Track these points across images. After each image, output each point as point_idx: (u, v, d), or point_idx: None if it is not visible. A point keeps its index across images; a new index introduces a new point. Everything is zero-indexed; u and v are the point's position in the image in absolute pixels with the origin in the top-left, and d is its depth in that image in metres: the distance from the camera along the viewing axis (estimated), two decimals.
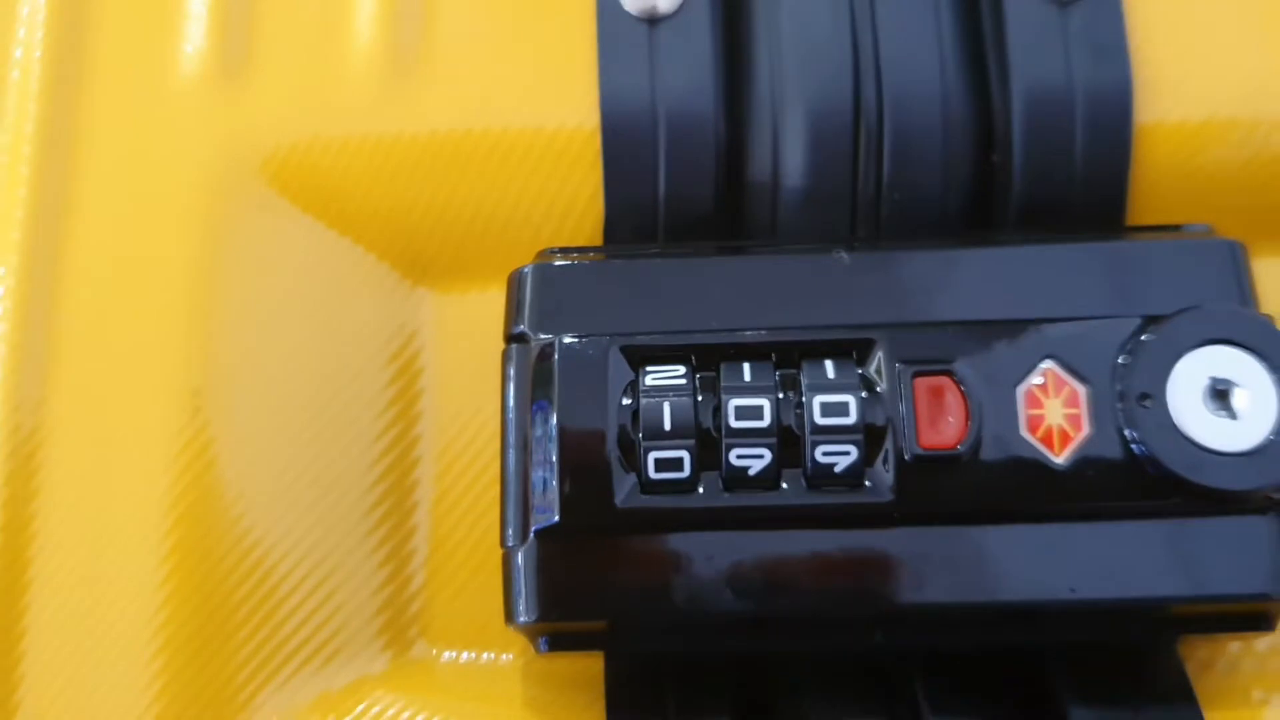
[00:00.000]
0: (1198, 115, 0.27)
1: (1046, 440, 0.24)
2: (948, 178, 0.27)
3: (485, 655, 0.26)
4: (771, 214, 0.28)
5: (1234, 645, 0.26)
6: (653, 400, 0.24)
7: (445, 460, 0.27)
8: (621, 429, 0.24)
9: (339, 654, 0.26)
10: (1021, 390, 0.24)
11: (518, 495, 0.25)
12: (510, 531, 0.24)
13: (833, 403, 0.24)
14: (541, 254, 0.27)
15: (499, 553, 0.25)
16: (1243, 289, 0.24)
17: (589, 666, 0.26)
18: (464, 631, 0.27)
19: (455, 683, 0.26)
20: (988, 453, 0.24)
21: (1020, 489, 0.24)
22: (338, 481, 0.27)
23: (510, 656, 0.26)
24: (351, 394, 0.27)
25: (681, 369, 0.24)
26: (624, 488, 0.24)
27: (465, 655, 0.26)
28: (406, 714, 0.25)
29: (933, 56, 0.27)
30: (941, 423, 0.24)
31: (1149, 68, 0.27)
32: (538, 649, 0.25)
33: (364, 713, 0.25)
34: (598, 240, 0.28)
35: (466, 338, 0.28)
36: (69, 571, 0.26)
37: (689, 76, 0.27)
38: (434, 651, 0.26)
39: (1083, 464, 0.23)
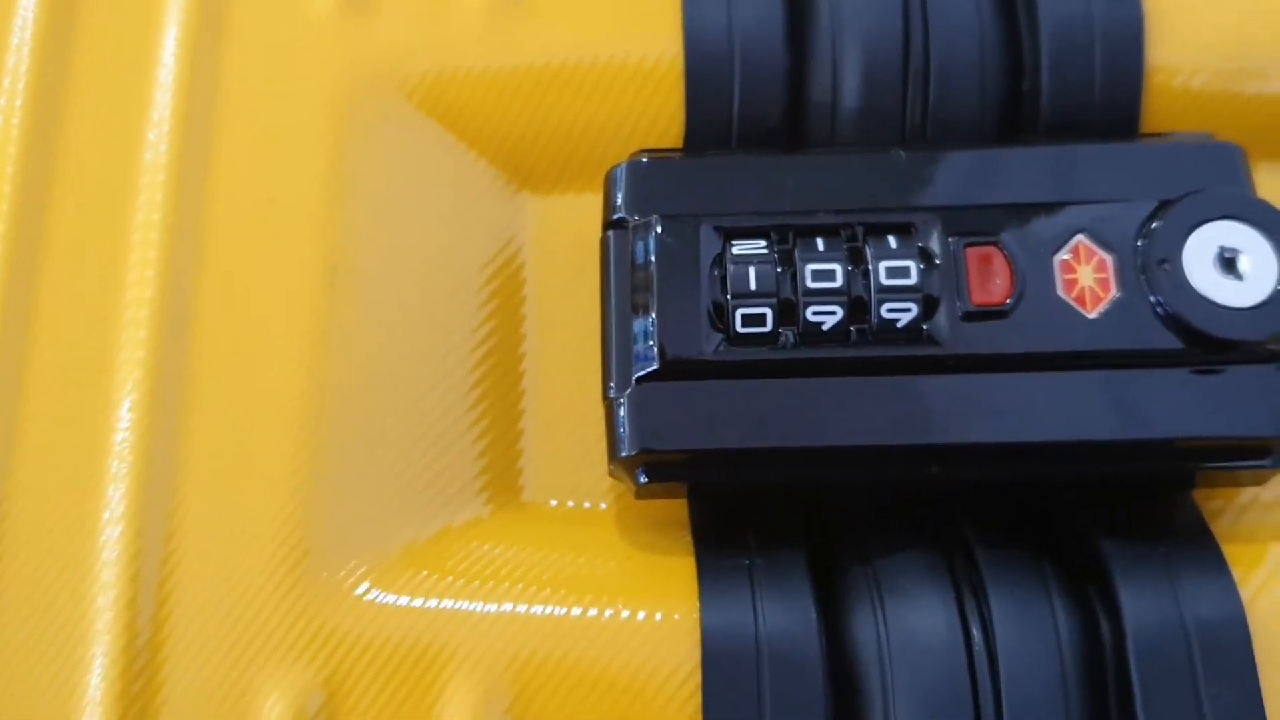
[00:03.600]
0: (1198, 47, 0.31)
1: (1080, 300, 0.28)
2: (984, 100, 0.31)
3: (585, 503, 0.30)
4: (830, 132, 0.32)
5: (1241, 496, 0.29)
6: (740, 265, 0.28)
7: (547, 334, 0.31)
8: (713, 295, 0.28)
9: (454, 498, 0.29)
10: (1057, 259, 0.28)
11: (620, 352, 0.28)
12: (613, 384, 0.28)
13: (896, 267, 0.28)
14: (633, 155, 0.30)
15: (597, 413, 0.29)
16: (1243, 179, 0.29)
17: (676, 510, 0.29)
18: (565, 481, 0.30)
19: (557, 525, 0.29)
20: (1029, 309, 0.27)
21: (1058, 341, 0.27)
22: (453, 350, 0.30)
23: (606, 505, 0.30)
24: (465, 276, 0.31)
25: (763, 242, 0.28)
26: (714, 341, 0.28)
27: (569, 503, 0.30)
28: (512, 552, 0.29)
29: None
30: (990, 284, 0.28)
31: (1156, 6, 0.31)
32: (635, 481, 0.28)
33: (475, 549, 0.29)
34: None
35: (563, 233, 0.32)
36: (220, 416, 0.29)
37: (760, 12, 0.32)
38: (538, 499, 0.30)
39: (1111, 319, 0.27)
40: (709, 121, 0.31)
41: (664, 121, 0.32)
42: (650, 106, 0.31)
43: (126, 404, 0.29)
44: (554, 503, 0.30)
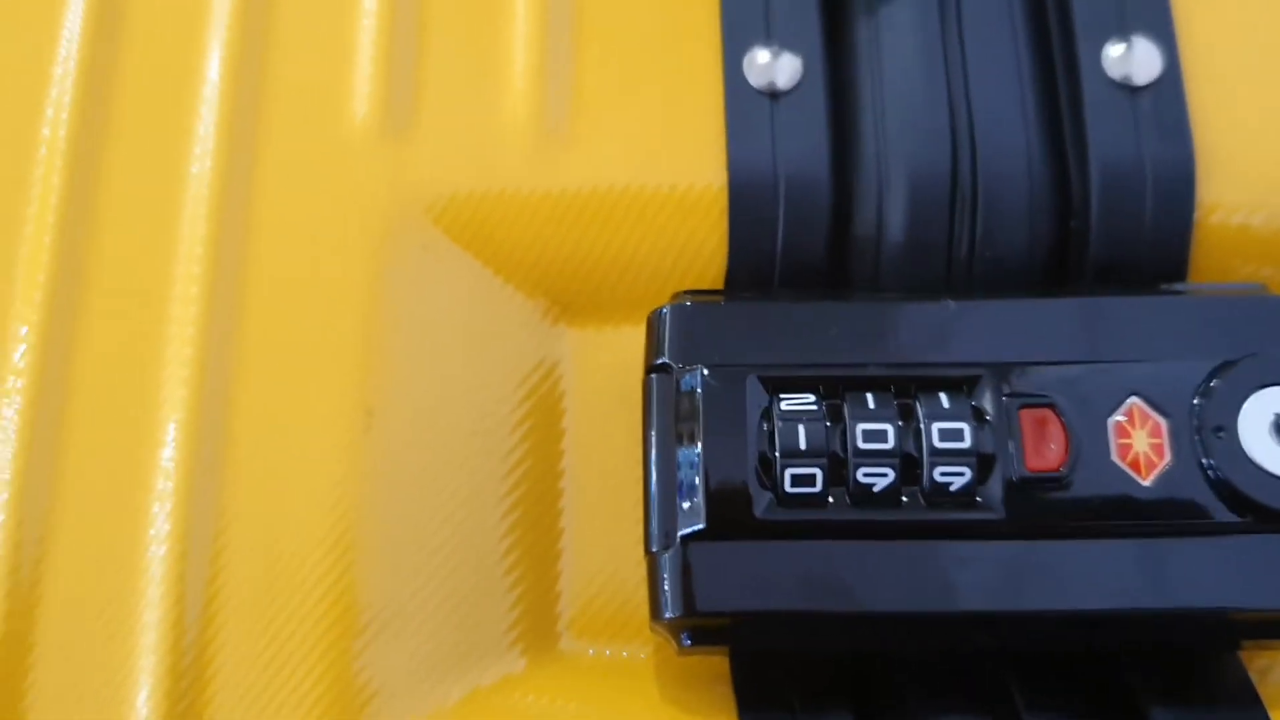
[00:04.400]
0: (1250, 189, 0.31)
1: (1134, 466, 0.27)
2: (1033, 239, 0.31)
3: (624, 652, 0.29)
4: (875, 267, 0.31)
5: None
6: (789, 423, 0.27)
7: (587, 472, 0.30)
8: (761, 451, 0.27)
9: (486, 654, 0.29)
10: (1111, 422, 0.27)
11: (664, 505, 0.28)
12: (656, 539, 0.27)
13: (949, 429, 0.27)
14: (676, 296, 0.30)
15: (637, 554, 0.28)
16: None
17: (717, 665, 0.29)
18: (604, 630, 0.29)
19: (596, 679, 0.29)
20: (1084, 476, 0.27)
21: (1112, 509, 0.27)
22: (489, 493, 0.30)
23: (645, 655, 0.29)
24: (501, 415, 0.30)
25: (812, 397, 0.28)
26: (762, 500, 0.27)
27: (607, 652, 0.29)
28: (554, 706, 0.28)
29: (1019, 132, 0.31)
30: (1044, 449, 0.27)
31: (1208, 147, 0.31)
32: (679, 644, 0.27)
33: (514, 705, 0.28)
34: (719, 287, 0.31)
35: (602, 368, 0.31)
36: (253, 557, 0.28)
37: (805, 145, 0.31)
38: (576, 649, 0.29)
39: (1166, 487, 0.27)
40: (752, 254, 0.31)
41: (707, 254, 0.31)
42: (693, 239, 0.31)
43: (156, 562, 0.28)
44: (591, 652, 0.29)
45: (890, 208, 0.31)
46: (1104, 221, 0.31)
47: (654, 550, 0.28)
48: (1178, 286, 0.30)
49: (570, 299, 0.31)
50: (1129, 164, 0.31)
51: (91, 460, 0.29)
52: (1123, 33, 0.32)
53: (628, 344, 0.31)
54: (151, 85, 0.32)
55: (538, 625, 0.29)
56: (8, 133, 0.31)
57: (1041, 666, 0.29)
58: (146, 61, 0.32)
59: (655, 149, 0.31)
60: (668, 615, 0.27)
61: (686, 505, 0.27)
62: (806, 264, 0.31)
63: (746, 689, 0.28)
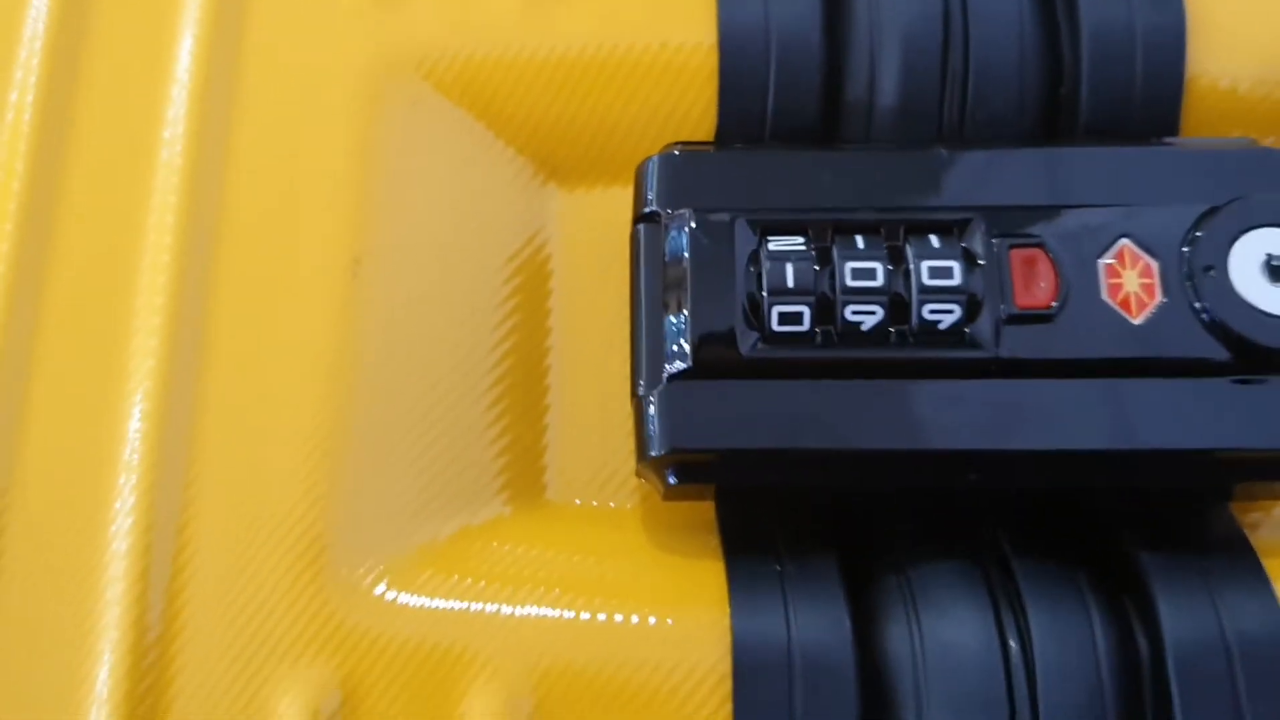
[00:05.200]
0: (1240, 53, 0.31)
1: (1125, 305, 0.27)
2: (1023, 103, 0.31)
3: (611, 503, 0.29)
4: (866, 129, 0.31)
5: (1278, 509, 0.29)
6: (776, 263, 0.27)
7: (574, 329, 0.30)
8: (747, 288, 0.27)
9: (475, 497, 0.28)
10: (1102, 263, 0.27)
11: (651, 349, 0.27)
12: (643, 381, 0.27)
13: (938, 267, 0.27)
14: (666, 147, 0.30)
15: (624, 411, 0.28)
16: None
17: (703, 512, 0.28)
18: (591, 482, 0.29)
19: (582, 526, 0.29)
20: (1074, 314, 0.27)
21: (1102, 347, 0.27)
22: (477, 344, 0.29)
23: (632, 505, 0.29)
24: (491, 270, 0.30)
25: (800, 239, 0.28)
26: (749, 339, 0.27)
27: (594, 502, 0.29)
28: (535, 553, 0.28)
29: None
30: (1034, 287, 0.27)
31: (1198, 12, 0.31)
32: (665, 483, 0.27)
33: (497, 549, 0.28)
34: None
35: (591, 228, 0.31)
36: (236, 409, 0.28)
37: (797, 5, 0.31)
38: (563, 498, 0.29)
39: (1156, 325, 0.27)
40: (742, 116, 0.31)
41: (696, 115, 0.31)
42: (683, 99, 0.31)
43: (140, 394, 0.28)
44: (578, 502, 0.29)
45: (882, 71, 0.31)
46: (1094, 86, 0.31)
47: (640, 393, 0.27)
48: (1168, 140, 0.30)
49: (560, 160, 0.31)
50: (1119, 29, 0.31)
51: (72, 335, 0.29)
52: None
53: (616, 204, 0.30)
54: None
55: (525, 474, 0.29)
56: None
57: (1030, 515, 0.28)
58: None
59: (644, 11, 0.31)
60: (654, 453, 0.27)
61: (674, 347, 0.27)
62: (797, 127, 0.31)
63: (732, 534, 0.28)
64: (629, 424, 0.28)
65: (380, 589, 0.27)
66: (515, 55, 0.31)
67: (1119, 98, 0.31)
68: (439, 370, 0.29)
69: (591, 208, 0.31)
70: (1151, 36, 0.31)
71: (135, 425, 0.28)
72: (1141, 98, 0.31)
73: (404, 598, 0.27)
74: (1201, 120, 0.31)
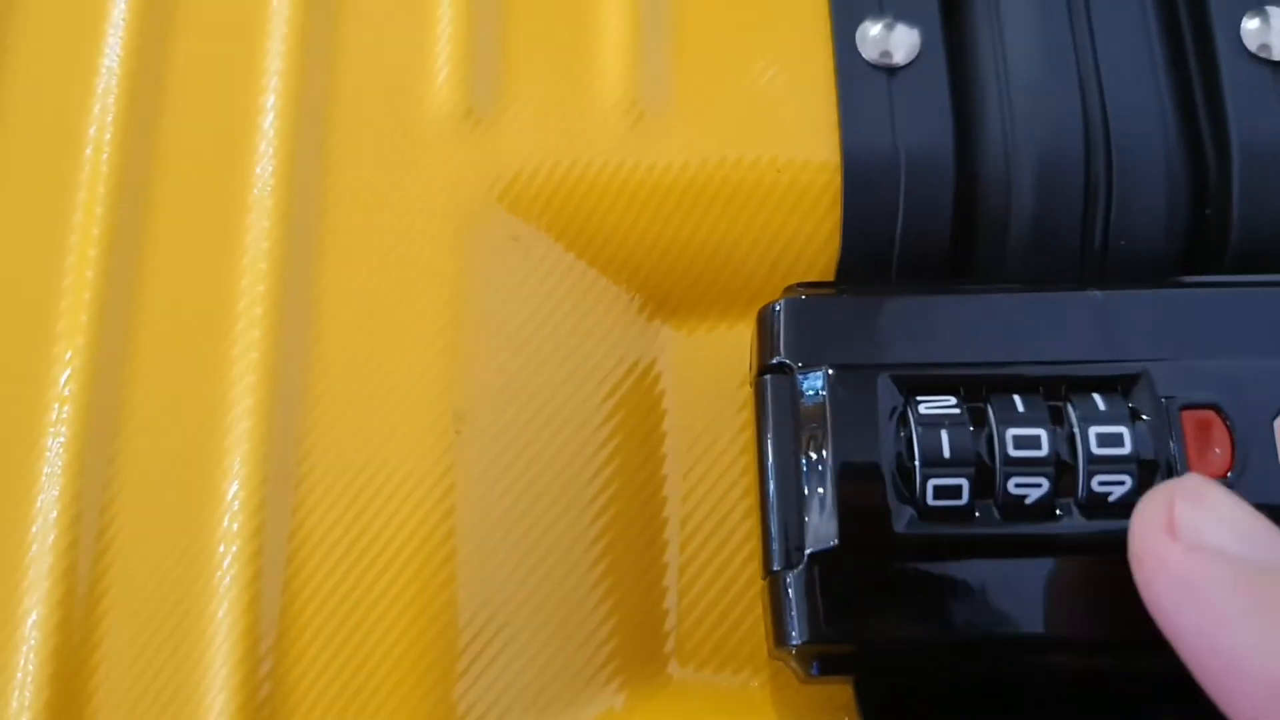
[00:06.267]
0: None
1: None
2: (1170, 226, 0.28)
3: (738, 679, 0.27)
4: (1001, 256, 0.29)
5: None
6: (929, 428, 0.25)
7: (691, 482, 0.28)
8: (898, 458, 0.25)
9: (587, 685, 0.26)
10: (1278, 424, 0.25)
11: (786, 520, 0.25)
12: (777, 557, 0.25)
13: (1108, 434, 0.25)
14: (788, 290, 0.27)
15: (748, 575, 0.26)
16: None
17: (840, 693, 0.26)
18: (714, 655, 0.27)
19: (708, 705, 0.26)
20: (1252, 483, 0.25)
21: None
22: (585, 506, 0.27)
23: (760, 682, 0.27)
24: (598, 419, 0.27)
25: (953, 399, 0.25)
26: (902, 514, 0.25)
27: (719, 679, 0.27)
28: None
29: (1153, 110, 0.29)
30: (1209, 454, 0.25)
31: None
32: (807, 673, 0.25)
33: None
34: (829, 277, 0.29)
35: (704, 368, 0.28)
36: (336, 573, 0.26)
37: (926, 123, 0.28)
38: (684, 675, 0.27)
39: None
40: (867, 242, 0.28)
41: (818, 242, 0.28)
42: (804, 226, 0.28)
43: (232, 551, 0.26)
44: (701, 680, 0.27)
45: (1019, 192, 0.28)
46: (1245, 208, 0.28)
47: (776, 569, 0.25)
48: None
49: (667, 293, 0.29)
50: (1272, 145, 0.28)
51: (157, 475, 0.26)
52: (1261, 3, 0.29)
53: (731, 342, 0.28)
54: (208, 80, 0.29)
55: (641, 650, 0.27)
56: (54, 130, 0.29)
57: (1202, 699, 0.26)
58: (202, 52, 0.29)
59: (760, 126, 0.28)
60: (795, 641, 0.24)
61: (814, 520, 0.25)
62: (927, 253, 0.28)
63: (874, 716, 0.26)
64: (756, 585, 0.26)
65: None
66: (616, 177, 0.28)
67: (1273, 219, 0.28)
68: (544, 536, 0.26)
69: (703, 345, 0.29)
70: None
71: (225, 576, 0.25)
72: None
73: None
74: None
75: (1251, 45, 0.29)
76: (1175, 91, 0.29)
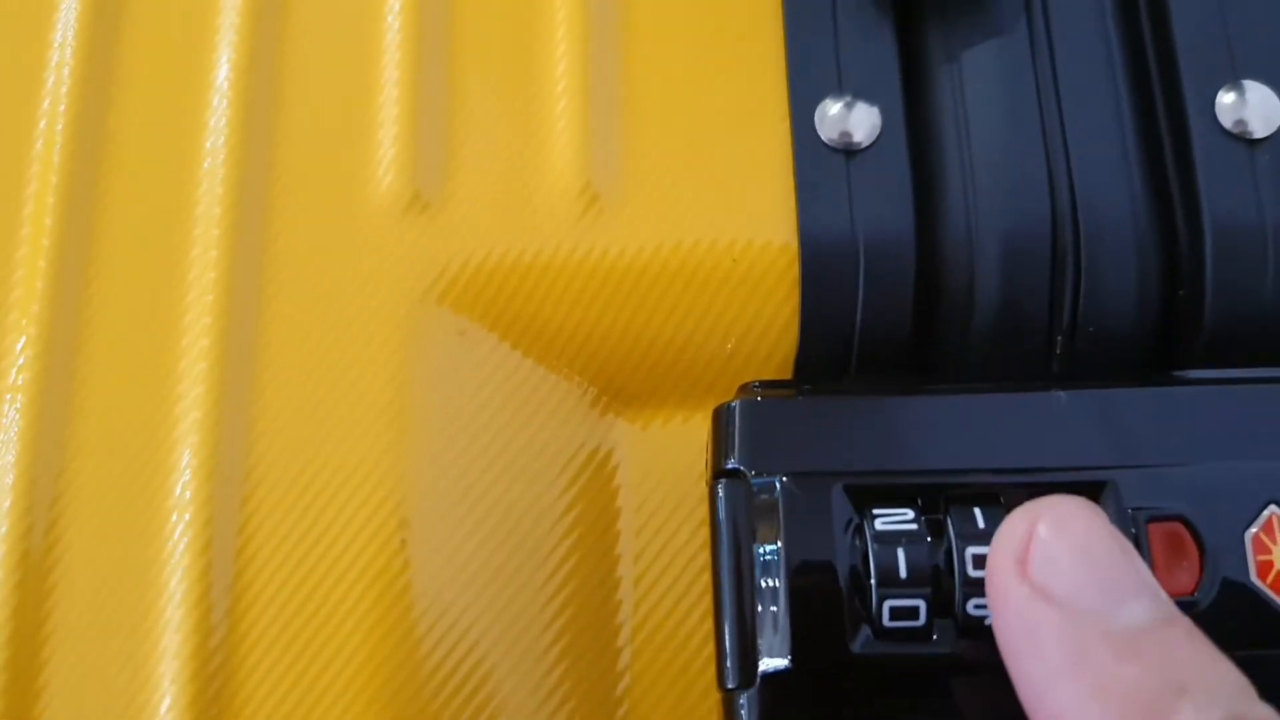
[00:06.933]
0: None
1: (1275, 587, 0.24)
2: (1141, 310, 0.27)
3: None
4: (964, 343, 0.28)
5: None
6: (886, 546, 0.24)
7: (647, 586, 0.27)
8: (853, 573, 0.24)
9: None
10: (1249, 536, 0.24)
11: (739, 635, 0.24)
12: (731, 674, 0.24)
13: None
14: (744, 389, 0.26)
15: (705, 688, 0.25)
16: None
17: None
18: None
19: None
20: (1221, 600, 0.24)
21: (1249, 637, 0.24)
22: (535, 615, 0.26)
23: None
24: (550, 523, 0.27)
25: (910, 512, 0.24)
26: (859, 634, 0.24)
27: None
28: None
29: (1124, 187, 0.28)
30: (1176, 570, 0.24)
31: None
32: None
33: None
34: (788, 366, 0.28)
35: (660, 464, 0.27)
36: (280, 691, 0.25)
37: (887, 206, 0.27)
38: None
39: None
40: (827, 329, 0.27)
41: (776, 330, 0.27)
42: (762, 313, 0.27)
43: (170, 677, 0.25)
44: None
45: (983, 276, 0.27)
46: (1219, 291, 0.27)
47: (730, 687, 0.24)
48: None
49: (622, 384, 0.28)
50: (1247, 226, 0.27)
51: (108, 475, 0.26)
52: (1236, 77, 0.28)
53: (689, 434, 0.27)
54: (144, 159, 0.28)
55: None
56: None
57: None
58: (139, 130, 0.28)
59: (715, 210, 0.27)
60: None
61: (768, 638, 0.24)
62: (889, 339, 0.27)
63: None
64: (714, 694, 0.25)
65: None
66: (566, 264, 0.27)
67: (1247, 303, 0.27)
68: (496, 646, 0.26)
69: (658, 438, 0.28)
70: None
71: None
72: (1273, 303, 0.27)
73: None
74: None
75: (1226, 121, 0.28)
76: (1147, 169, 0.28)
